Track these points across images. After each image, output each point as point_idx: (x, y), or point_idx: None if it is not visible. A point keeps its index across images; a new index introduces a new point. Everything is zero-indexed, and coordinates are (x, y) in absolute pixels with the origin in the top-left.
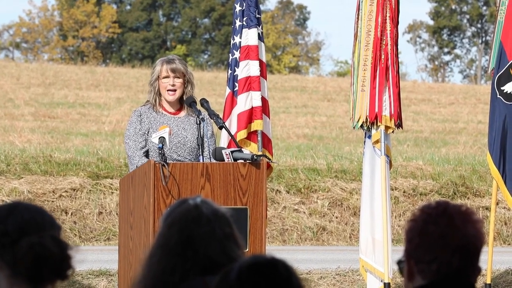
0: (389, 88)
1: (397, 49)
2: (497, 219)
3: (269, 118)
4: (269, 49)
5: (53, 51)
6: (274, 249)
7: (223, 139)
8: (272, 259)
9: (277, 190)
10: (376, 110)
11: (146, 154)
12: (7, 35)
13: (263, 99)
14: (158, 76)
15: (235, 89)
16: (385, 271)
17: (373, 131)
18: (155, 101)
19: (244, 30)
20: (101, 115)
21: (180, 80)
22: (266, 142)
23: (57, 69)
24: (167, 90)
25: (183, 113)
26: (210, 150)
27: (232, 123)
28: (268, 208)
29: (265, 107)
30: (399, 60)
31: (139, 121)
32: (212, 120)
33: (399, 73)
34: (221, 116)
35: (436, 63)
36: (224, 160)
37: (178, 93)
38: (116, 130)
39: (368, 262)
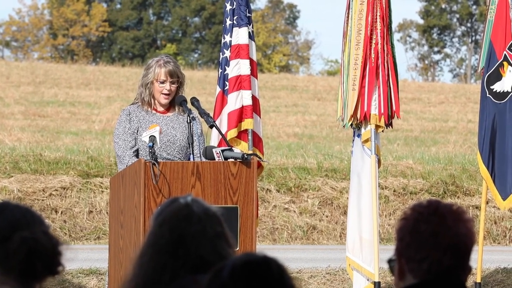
0: (378, 87)
1: (390, 47)
2: (486, 218)
3: (260, 117)
4: (259, 48)
5: (43, 50)
6: (264, 248)
7: (214, 138)
8: (264, 257)
9: (267, 189)
10: (365, 109)
11: (136, 154)
12: None
13: (254, 98)
14: (155, 79)
15: (225, 88)
16: (375, 271)
17: (363, 130)
18: (149, 101)
19: (234, 29)
20: (91, 114)
21: (175, 85)
22: (257, 141)
23: (47, 68)
24: (162, 94)
25: (172, 112)
26: (200, 149)
27: (223, 122)
28: (258, 207)
29: (255, 106)
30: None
31: (128, 120)
32: (202, 119)
33: (396, 71)
34: (211, 115)
35: (426, 62)
36: (214, 159)
37: (171, 97)
38: (106, 129)
39: (355, 261)
